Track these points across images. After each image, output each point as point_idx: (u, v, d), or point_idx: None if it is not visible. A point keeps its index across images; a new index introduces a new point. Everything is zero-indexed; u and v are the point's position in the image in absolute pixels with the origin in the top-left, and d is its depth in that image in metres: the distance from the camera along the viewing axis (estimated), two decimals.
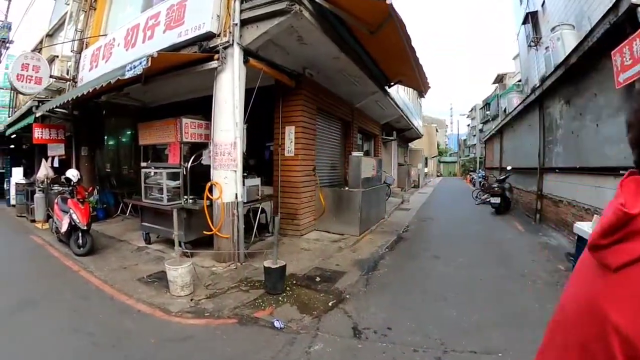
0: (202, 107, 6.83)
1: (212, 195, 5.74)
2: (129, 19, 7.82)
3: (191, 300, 4.49)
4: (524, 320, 3.89)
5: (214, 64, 5.67)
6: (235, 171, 5.70)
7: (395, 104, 13.08)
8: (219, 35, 5.81)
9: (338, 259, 6.22)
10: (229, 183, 5.68)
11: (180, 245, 6.10)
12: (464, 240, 8.06)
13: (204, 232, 5.90)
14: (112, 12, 9.78)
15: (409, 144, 28.36)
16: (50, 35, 15.62)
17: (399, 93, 14.31)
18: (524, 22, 16.74)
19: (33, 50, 11.85)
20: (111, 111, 9.38)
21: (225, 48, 5.70)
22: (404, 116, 15.96)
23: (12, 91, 18.03)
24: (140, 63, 4.93)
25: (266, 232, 7.61)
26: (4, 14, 20.30)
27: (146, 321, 4.03)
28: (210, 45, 5.84)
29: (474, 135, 46.22)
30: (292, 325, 3.85)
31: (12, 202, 12.34)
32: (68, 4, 12.25)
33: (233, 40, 5.66)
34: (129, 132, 11.61)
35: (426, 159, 35.41)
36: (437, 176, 47.43)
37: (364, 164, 8.32)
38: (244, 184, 5.95)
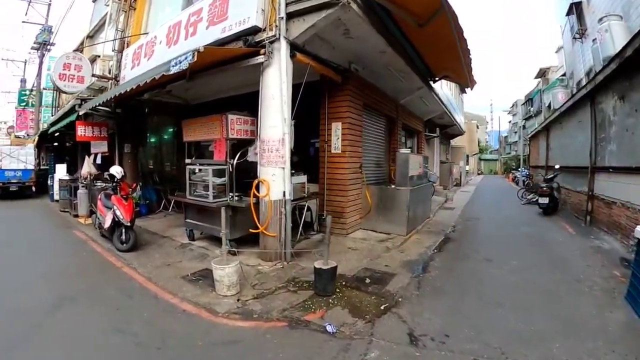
0: (246, 104, 6.74)
1: (259, 193, 5.60)
2: (170, 16, 7.83)
3: (238, 300, 4.35)
4: (584, 329, 3.66)
5: (260, 58, 5.52)
6: (284, 168, 5.55)
7: (440, 100, 12.74)
8: (264, 30, 5.67)
9: (387, 260, 5.98)
10: (276, 180, 5.54)
11: (227, 243, 6.05)
12: (513, 241, 7.69)
13: (250, 230, 5.78)
14: (152, 11, 9.88)
15: (451, 141, 27.53)
16: (91, 36, 16.02)
17: (442, 89, 13.92)
18: (568, 13, 16.02)
19: (74, 51, 12.16)
20: (153, 109, 9.48)
21: (271, 42, 5.55)
22: (447, 112, 15.53)
23: (55, 91, 18.75)
24: (186, 58, 4.83)
25: (311, 230, 7.46)
26: (44, 18, 21.21)
27: (192, 322, 3.92)
28: (256, 40, 5.70)
29: (515, 132, 44.86)
30: (345, 330, 3.65)
31: (56, 197, 12.76)
32: (108, 5, 12.55)
33: (279, 34, 5.50)
34: (170, 130, 11.72)
35: (467, 156, 34.36)
36: (478, 174, 45.86)
37: (412, 161, 8.05)
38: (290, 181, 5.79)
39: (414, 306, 4.23)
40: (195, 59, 4.71)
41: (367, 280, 4.99)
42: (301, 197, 6.69)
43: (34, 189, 16.19)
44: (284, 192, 5.58)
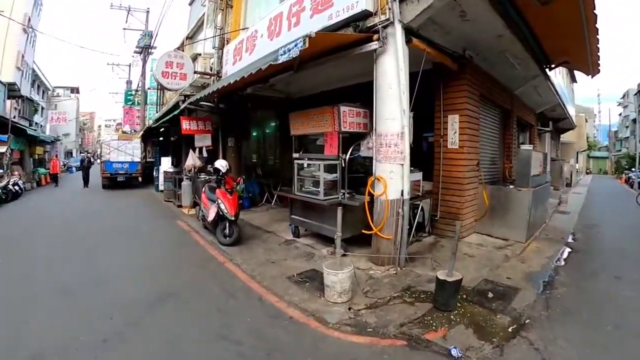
0: (351, 96, 6.44)
1: (374, 191, 5.20)
2: (269, 9, 7.74)
3: (349, 309, 3.99)
4: None
5: (373, 45, 5.10)
6: (402, 165, 5.06)
7: (555, 89, 11.35)
8: (375, 14, 5.24)
9: (507, 271, 5.26)
10: (394, 178, 5.08)
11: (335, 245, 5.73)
12: None
13: (363, 230, 5.38)
14: (249, 7, 10.00)
15: (560, 136, 24.63)
16: (190, 37, 16.90)
17: (556, 77, 12.43)
18: None
19: (176, 50, 12.79)
20: (256, 104, 9.57)
21: (384, 27, 5.11)
22: (561, 104, 13.92)
23: (159, 90, 20.25)
24: (296, 45, 4.56)
25: (423, 232, 6.90)
26: (144, 24, 22.94)
27: (300, 332, 3.62)
28: (367, 25, 5.30)
29: (627, 127, 39.68)
30: (471, 355, 3.14)
31: (161, 187, 13.68)
32: (204, 5, 13.06)
33: (393, 18, 5.03)
34: (273, 124, 11.78)
35: (577, 153, 30.85)
36: (587, 173, 40.99)
37: (534, 159, 7.13)
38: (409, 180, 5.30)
39: (544, 330, 3.59)
40: (307, 45, 4.40)
41: (490, 295, 4.37)
42: (416, 196, 6.15)
43: (140, 179, 17.71)
44: (402, 191, 5.10)
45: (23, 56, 23.09)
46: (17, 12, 20.49)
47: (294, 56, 4.66)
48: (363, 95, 5.57)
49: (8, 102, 19.70)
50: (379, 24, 5.13)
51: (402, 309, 4.00)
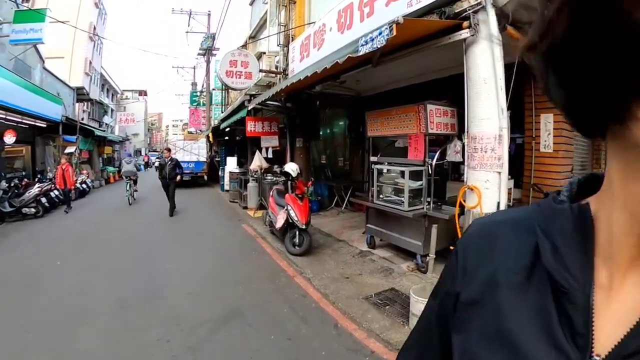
0: (423, 93, 5.78)
1: (465, 202, 4.53)
2: (337, 1, 7.24)
3: None
4: None
5: (464, 33, 4.41)
6: (500, 173, 4.35)
7: None
8: None
9: None
10: (490, 188, 4.38)
11: (416, 258, 5.14)
12: None
13: (451, 247, 4.74)
14: (313, 1, 9.58)
15: None
16: (253, 36, 16.89)
17: None
18: None
19: (239, 48, 12.71)
20: (324, 102, 9.11)
21: (475, 12, 4.40)
22: None
23: (224, 90, 20.59)
24: (381, 33, 4.02)
25: None
26: (206, 27, 23.40)
27: None
28: (455, 11, 4.59)
29: None
30: None
31: (226, 187, 13.76)
32: (266, 3, 12.86)
33: (485, 1, 4.31)
34: (341, 123, 11.23)
35: None
36: None
37: None
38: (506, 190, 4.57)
39: None
40: (394, 32, 3.86)
41: None
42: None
43: (205, 178, 18.13)
44: (499, 203, 4.39)
45: (90, 62, 24.26)
46: (82, 22, 21.37)
47: (378, 46, 4.14)
48: (439, 92, 4.89)
49: (77, 105, 20.87)
50: (469, 9, 4.41)
51: None
